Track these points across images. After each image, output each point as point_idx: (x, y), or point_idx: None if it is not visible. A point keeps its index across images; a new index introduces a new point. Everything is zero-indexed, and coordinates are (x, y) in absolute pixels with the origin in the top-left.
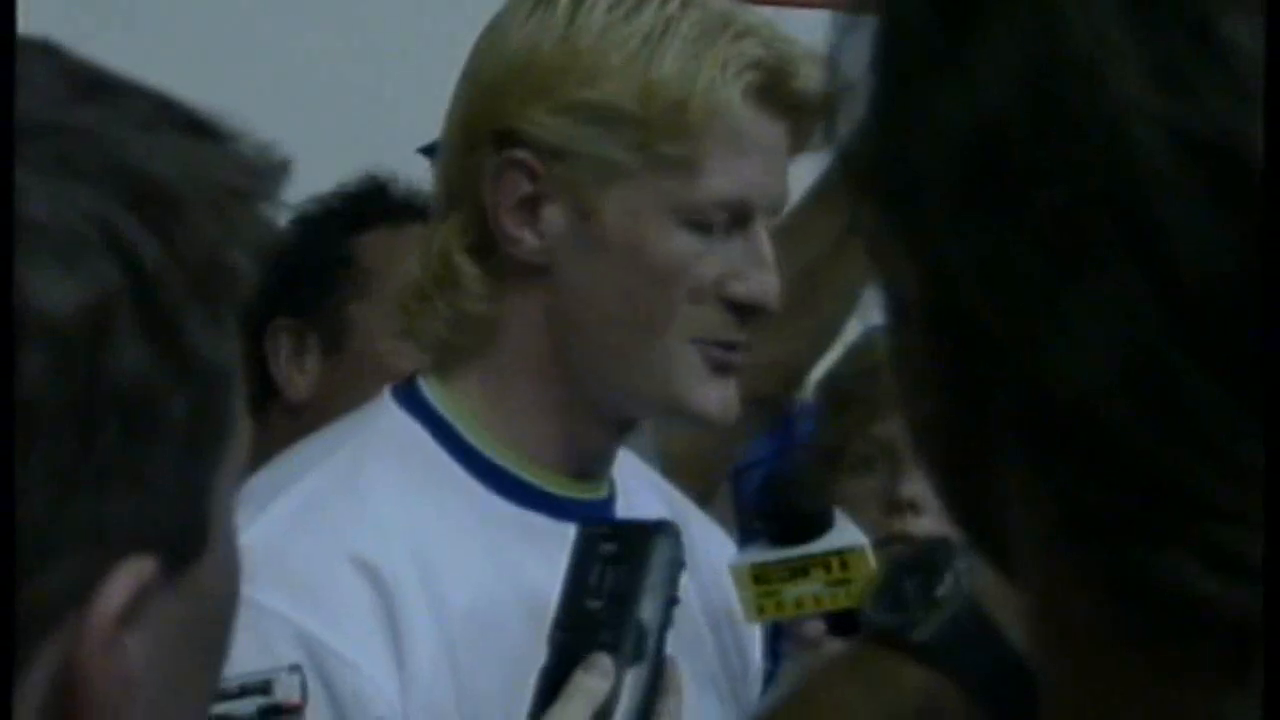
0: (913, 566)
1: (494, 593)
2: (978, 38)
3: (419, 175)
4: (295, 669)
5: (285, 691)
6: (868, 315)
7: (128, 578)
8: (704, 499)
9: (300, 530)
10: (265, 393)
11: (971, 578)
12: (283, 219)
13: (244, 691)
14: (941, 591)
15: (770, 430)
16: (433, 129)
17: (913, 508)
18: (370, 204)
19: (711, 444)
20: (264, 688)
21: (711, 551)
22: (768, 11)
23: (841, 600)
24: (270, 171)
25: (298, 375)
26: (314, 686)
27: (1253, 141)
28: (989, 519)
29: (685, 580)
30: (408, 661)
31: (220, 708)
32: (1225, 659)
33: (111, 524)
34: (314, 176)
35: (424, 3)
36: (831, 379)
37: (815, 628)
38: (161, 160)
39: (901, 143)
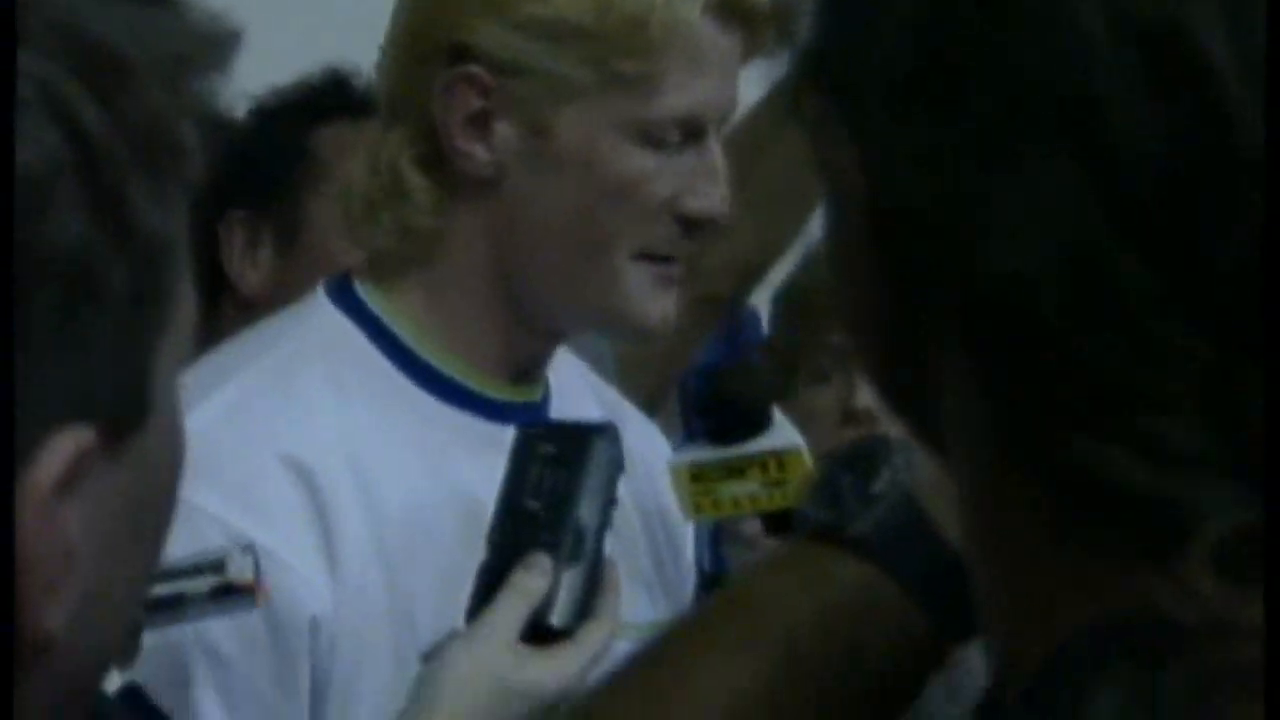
0: (849, 463)
1: (427, 494)
2: None
3: None
4: (248, 549)
5: (238, 570)
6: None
7: (64, 446)
8: (655, 400)
9: (231, 428)
10: (217, 285)
11: (908, 474)
12: (241, 109)
13: (197, 570)
14: (878, 487)
15: (719, 334)
16: None
17: (868, 419)
18: (331, 97)
19: (664, 345)
20: (217, 566)
21: (646, 452)
22: None
23: (778, 500)
24: (221, 41)
25: (250, 269)
26: None
27: (1193, 25)
28: (925, 410)
29: (621, 484)
30: (339, 560)
31: (173, 586)
32: (1151, 544)
33: (48, 392)
34: (277, 70)
35: None
36: (790, 286)
37: (752, 527)
38: (110, 25)
39: (849, 33)
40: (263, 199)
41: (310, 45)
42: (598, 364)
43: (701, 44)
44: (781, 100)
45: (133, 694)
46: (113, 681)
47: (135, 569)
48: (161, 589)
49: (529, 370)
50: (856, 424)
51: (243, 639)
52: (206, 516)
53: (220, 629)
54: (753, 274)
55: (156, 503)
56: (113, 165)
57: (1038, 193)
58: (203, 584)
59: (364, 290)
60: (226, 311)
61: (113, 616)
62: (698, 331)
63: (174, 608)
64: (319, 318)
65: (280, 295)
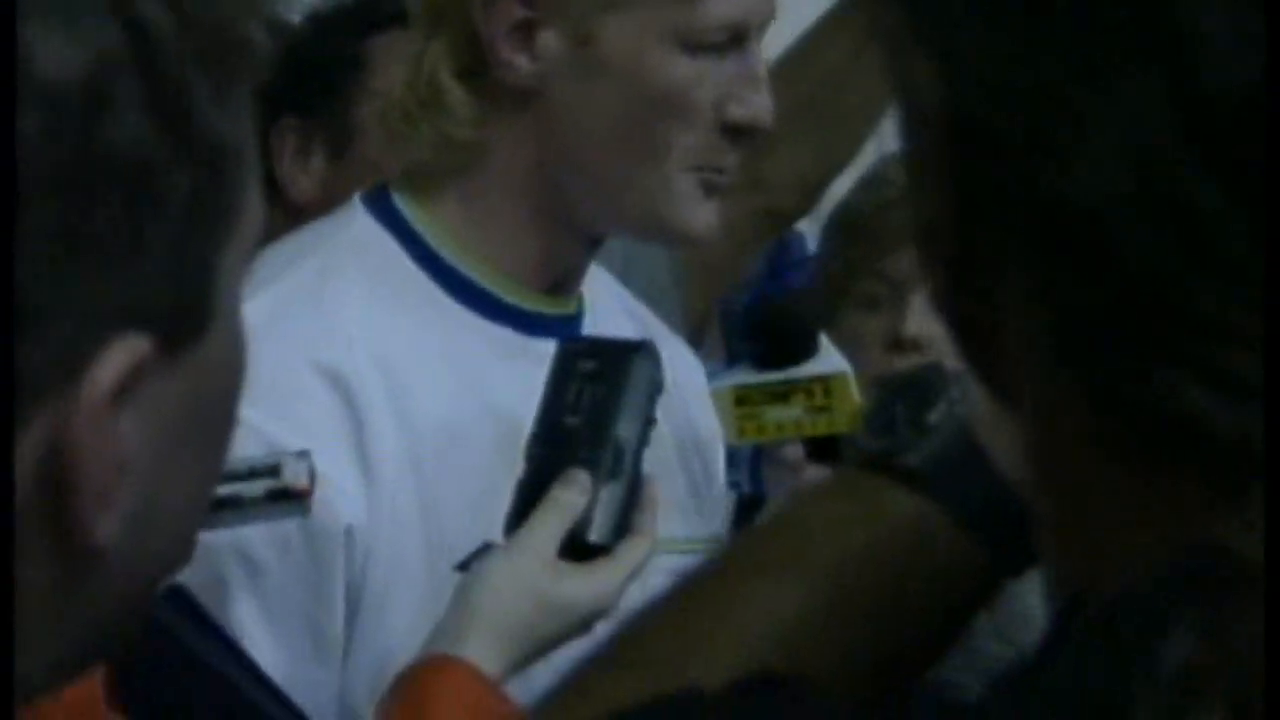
0: (904, 392)
1: (461, 405)
2: None
3: None
4: (304, 454)
5: (293, 475)
6: (885, 141)
7: (121, 354)
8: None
9: (265, 338)
10: (268, 192)
11: (964, 405)
12: (295, 17)
13: (253, 474)
14: (933, 418)
15: (764, 255)
16: None
17: (915, 346)
18: (385, 6)
19: (723, 257)
20: (273, 470)
21: (681, 375)
22: None
23: (822, 426)
24: None
25: (302, 176)
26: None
27: None
28: (988, 332)
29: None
30: (373, 469)
31: (229, 489)
32: (1221, 480)
33: (106, 298)
34: None
35: None
36: (843, 209)
37: (795, 452)
38: None
39: None
40: (315, 107)
41: None
42: (651, 280)
43: None
44: (844, 14)
45: (178, 595)
46: None
47: (194, 479)
48: (218, 490)
49: (565, 282)
50: (904, 351)
51: (279, 547)
52: (244, 426)
53: (257, 536)
54: (814, 190)
55: (215, 414)
56: (176, 65)
57: (1118, 109)
58: (259, 487)
59: (400, 200)
60: (276, 218)
61: (172, 526)
62: (758, 245)
63: (229, 509)
64: (354, 227)
65: (330, 203)
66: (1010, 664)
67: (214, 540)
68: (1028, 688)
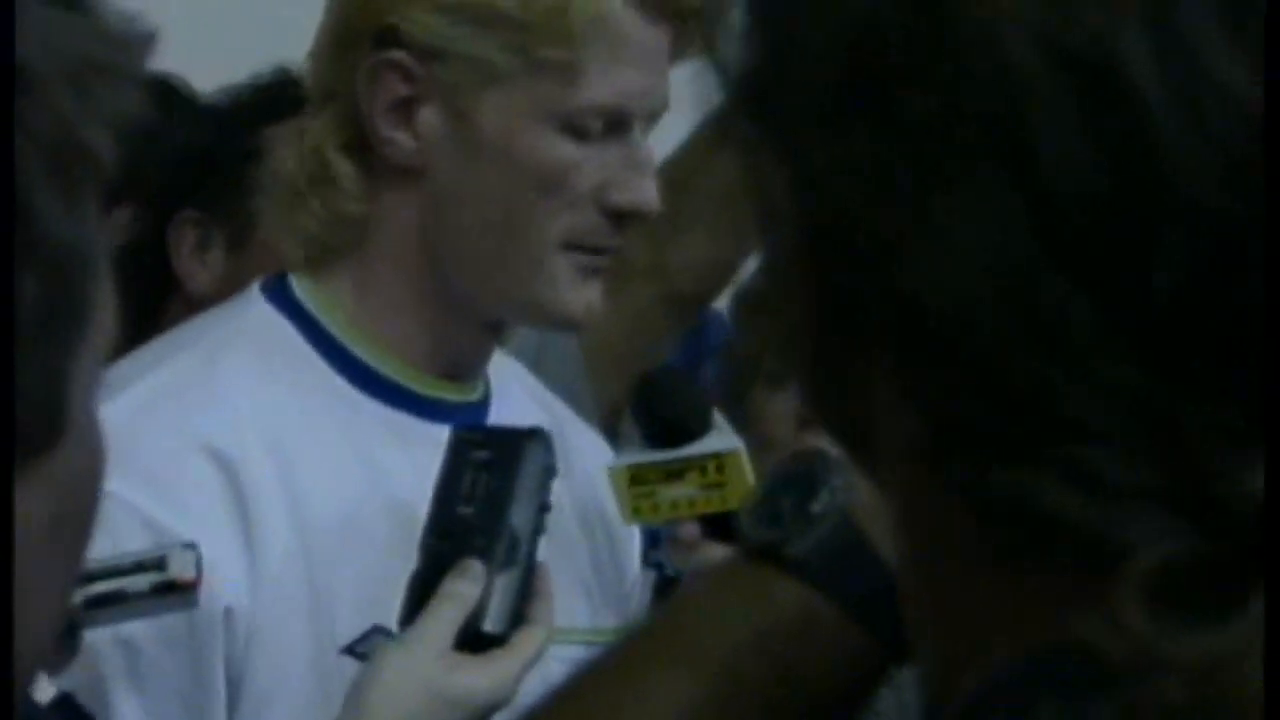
0: (789, 482)
1: (355, 490)
2: None
3: None
4: (190, 546)
5: (180, 567)
6: None
7: None
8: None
9: (151, 417)
10: (166, 285)
11: (848, 494)
12: (191, 111)
13: (139, 568)
14: (818, 507)
15: (684, 336)
16: None
17: None
18: (281, 96)
19: (632, 341)
20: (159, 564)
21: (588, 458)
22: None
23: (716, 503)
24: (134, 43)
25: (200, 269)
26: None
27: (1124, 53)
28: (859, 428)
29: (559, 486)
30: (258, 554)
31: (113, 584)
32: (1082, 576)
33: None
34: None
35: None
36: (749, 288)
37: (690, 530)
38: (13, 30)
39: (774, 47)
40: (213, 200)
41: (259, 44)
42: (563, 369)
43: (625, 34)
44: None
45: (65, 702)
46: (45, 691)
47: (56, 582)
48: (102, 586)
49: (465, 367)
50: (814, 429)
51: (159, 632)
52: (122, 504)
53: (138, 623)
54: (720, 274)
55: (75, 519)
56: (19, 176)
57: (969, 212)
58: (144, 581)
59: (298, 285)
60: (174, 311)
61: (37, 627)
62: (668, 332)
63: (115, 604)
64: (251, 311)
65: (230, 295)
66: None
67: (91, 633)
68: None
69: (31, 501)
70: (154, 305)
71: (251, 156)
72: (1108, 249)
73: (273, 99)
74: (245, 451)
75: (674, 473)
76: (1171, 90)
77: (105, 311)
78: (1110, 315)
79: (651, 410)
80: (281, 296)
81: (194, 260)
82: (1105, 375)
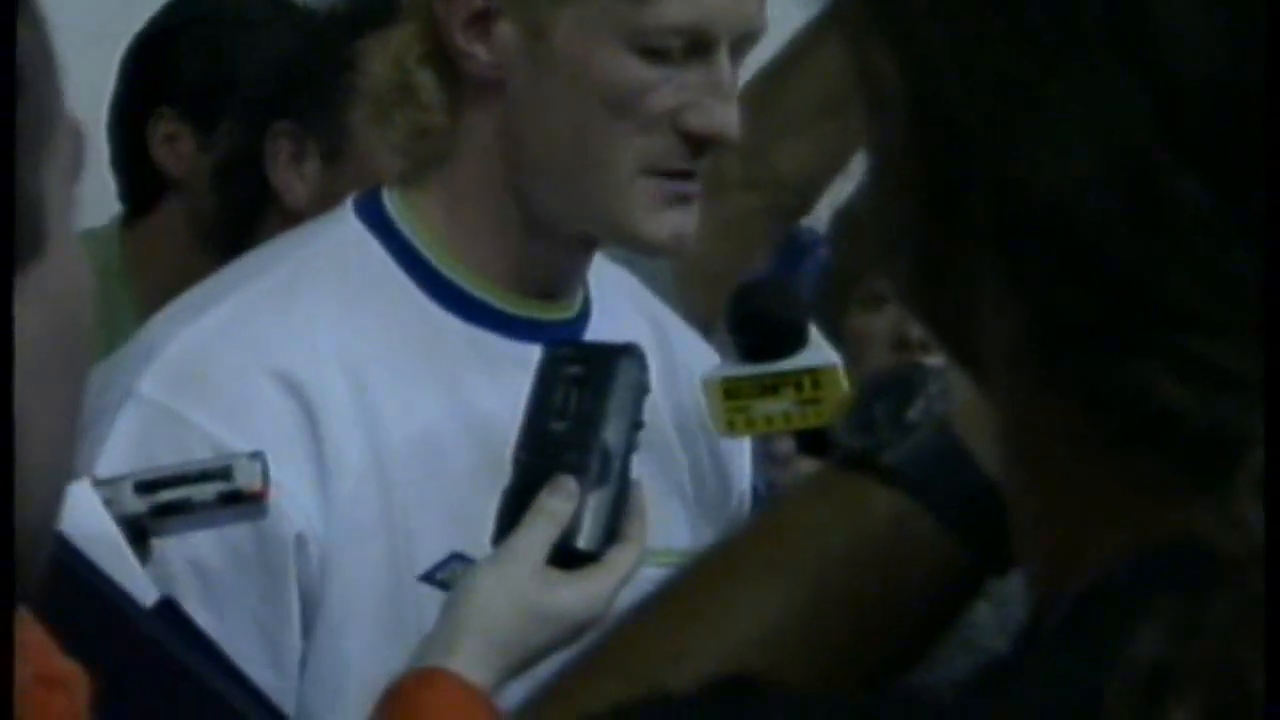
0: (884, 389)
1: (439, 413)
2: None
3: None
4: (257, 455)
5: (246, 477)
6: None
7: None
8: (714, 316)
9: (224, 343)
10: (264, 197)
11: (944, 402)
12: (286, 22)
13: (204, 476)
14: (913, 415)
15: (777, 250)
16: None
17: (922, 346)
18: (375, 7)
19: (723, 260)
20: (224, 473)
21: (695, 368)
22: None
23: (812, 419)
24: None
25: (297, 181)
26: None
27: None
28: (964, 327)
29: (660, 399)
30: (330, 480)
31: (178, 492)
32: (1198, 472)
33: None
34: None
35: None
36: (848, 206)
37: (785, 446)
38: None
39: None
40: (307, 112)
41: None
42: (654, 278)
43: None
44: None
45: (168, 606)
46: (148, 594)
47: (56, 407)
48: (168, 494)
49: (558, 285)
50: (909, 351)
51: (230, 554)
52: (194, 430)
53: (208, 544)
54: (817, 185)
55: (66, 336)
56: None
57: (1085, 95)
58: (210, 490)
59: (390, 200)
60: (272, 223)
61: (43, 458)
62: (760, 246)
63: (180, 513)
64: (339, 230)
65: (326, 207)
66: (983, 663)
67: (166, 550)
68: (999, 686)
69: (27, 315)
70: (252, 216)
71: (343, 68)
72: (1226, 133)
73: (368, 9)
74: (320, 377)
75: (769, 387)
76: None
77: (68, 124)
78: (1226, 201)
79: (747, 323)
80: (373, 212)
81: (290, 172)
82: (1220, 263)
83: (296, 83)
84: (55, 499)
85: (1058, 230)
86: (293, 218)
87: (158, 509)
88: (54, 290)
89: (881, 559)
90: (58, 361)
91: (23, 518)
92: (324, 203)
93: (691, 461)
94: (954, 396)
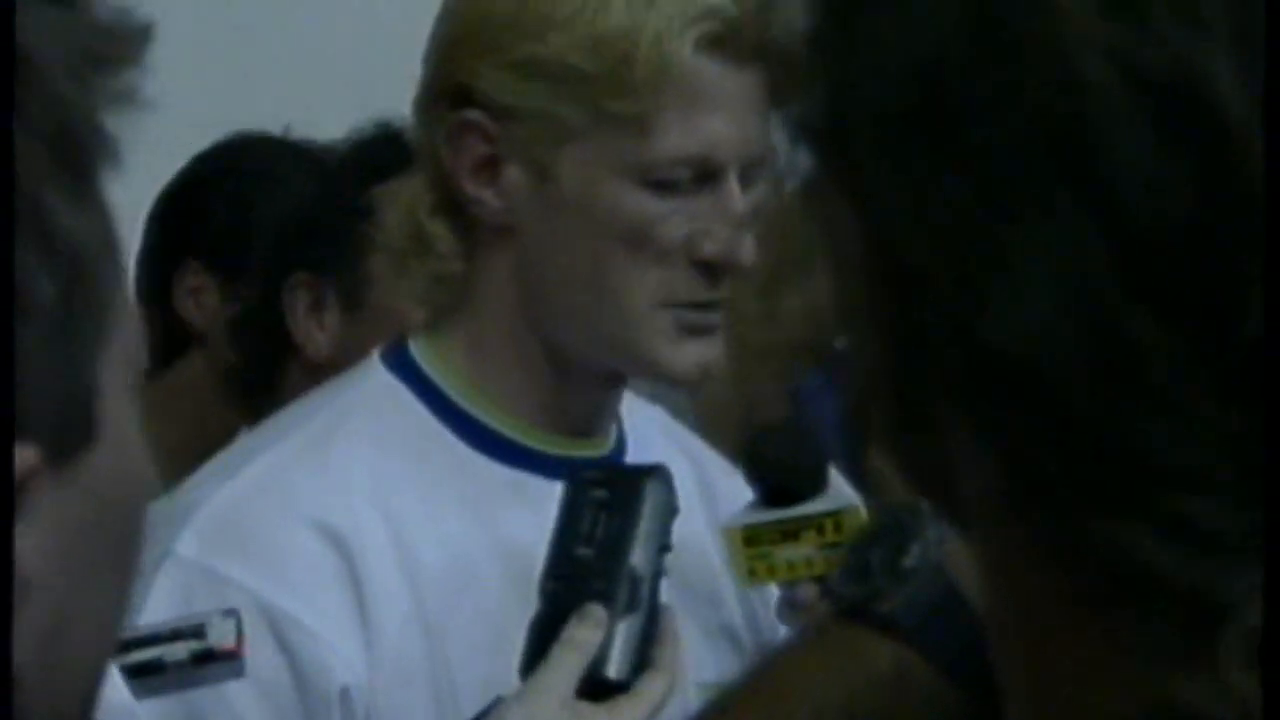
0: (879, 536)
1: (473, 553)
2: None
3: None
4: (230, 613)
5: (219, 635)
6: None
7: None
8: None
9: (263, 497)
10: (285, 349)
11: (940, 547)
12: (298, 173)
13: (176, 635)
14: (908, 562)
15: (797, 387)
16: None
17: None
18: (387, 153)
19: (745, 395)
20: (198, 632)
21: (735, 500)
22: None
23: (834, 564)
24: (131, 34)
25: (317, 332)
26: (277, 657)
27: (1207, 73)
28: (942, 478)
29: (703, 532)
30: (374, 627)
31: (152, 652)
32: (1183, 635)
33: None
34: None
35: None
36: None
37: (808, 591)
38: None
39: (840, 84)
40: (325, 261)
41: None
42: (677, 413)
43: (701, 82)
44: None
45: None
46: None
47: (105, 597)
48: (140, 655)
49: (589, 421)
50: None
51: (274, 710)
52: (234, 586)
53: (248, 697)
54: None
55: (118, 528)
56: (24, 172)
57: (1044, 246)
58: (182, 650)
59: (416, 348)
60: (292, 374)
61: (87, 646)
62: (782, 380)
63: (153, 674)
64: (369, 380)
65: (348, 357)
66: None
67: (199, 699)
68: None
69: (67, 505)
70: (273, 368)
71: (360, 216)
72: (1193, 280)
73: (378, 156)
74: (358, 526)
75: (790, 533)
76: (1259, 114)
77: (126, 312)
78: (1197, 351)
79: (764, 468)
80: (400, 362)
81: (310, 322)
82: (1194, 417)
83: (312, 233)
84: (95, 693)
85: (1024, 384)
86: (314, 369)
87: (130, 669)
88: (105, 480)
89: (880, 709)
90: (106, 554)
91: (60, 710)
92: (346, 353)
93: (738, 595)
94: (950, 540)
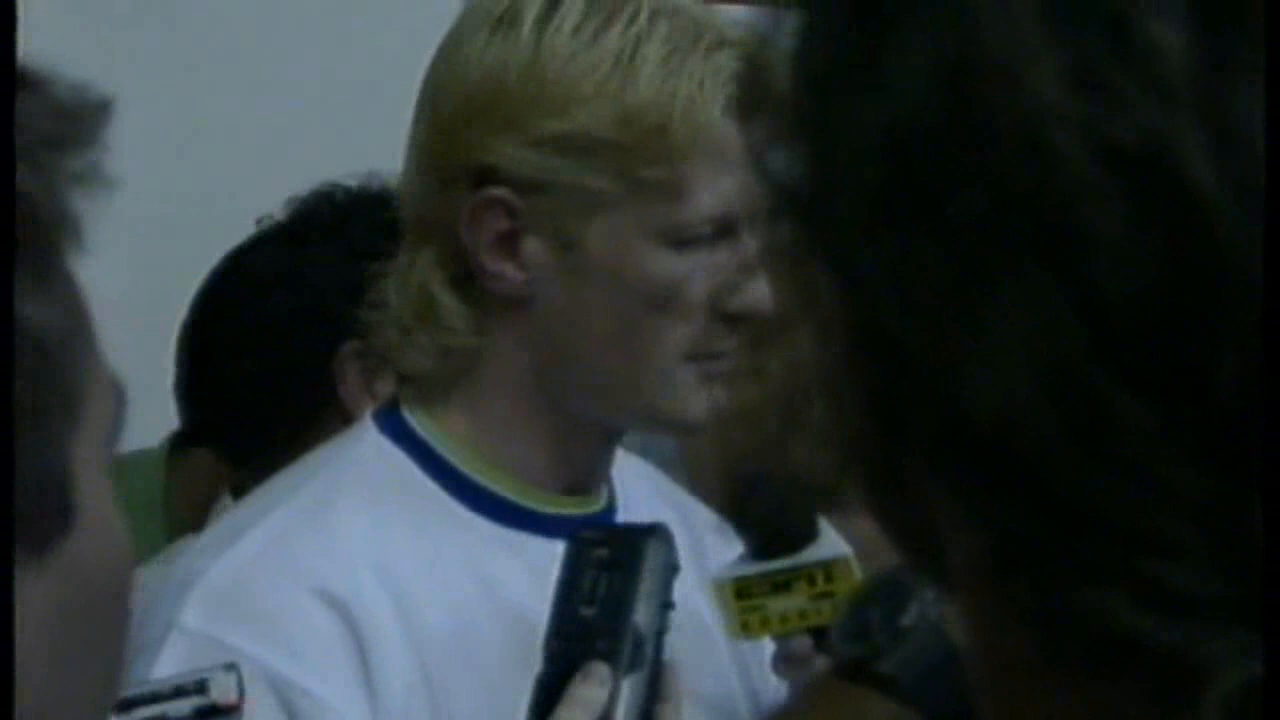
0: (877, 594)
1: (475, 617)
2: (891, 40)
3: None
4: (231, 667)
5: (221, 690)
6: None
7: None
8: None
9: (266, 566)
10: (327, 410)
11: (938, 605)
12: (329, 248)
13: (179, 692)
14: (907, 621)
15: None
16: None
17: None
18: (387, 216)
19: (735, 447)
20: (199, 687)
21: (724, 554)
22: (742, 11)
23: (826, 614)
24: (89, 115)
25: (368, 400)
26: None
27: (1177, 146)
28: (922, 541)
29: (695, 589)
30: (380, 693)
31: (155, 709)
32: (1161, 696)
33: None
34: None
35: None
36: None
37: (802, 644)
38: None
39: (816, 151)
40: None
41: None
42: (667, 466)
43: (727, 143)
44: None
45: None
46: None
47: (92, 680)
48: (144, 712)
49: (586, 480)
50: None
51: None
52: (241, 656)
53: None
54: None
55: (102, 609)
56: None
57: (1016, 315)
58: (185, 706)
59: (410, 414)
60: (329, 431)
61: None
62: (772, 435)
63: None
64: (364, 444)
65: None
66: None
67: None
68: None
69: (49, 593)
70: (314, 424)
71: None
72: (1164, 350)
73: (382, 217)
74: (360, 592)
75: (781, 584)
76: (1230, 186)
77: (101, 388)
78: (1170, 419)
79: (753, 519)
80: (395, 426)
81: (360, 391)
82: (1169, 483)
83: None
84: None
85: (1001, 453)
86: None
87: None
88: (85, 566)
89: None
90: (91, 636)
91: None
92: None
93: (732, 653)
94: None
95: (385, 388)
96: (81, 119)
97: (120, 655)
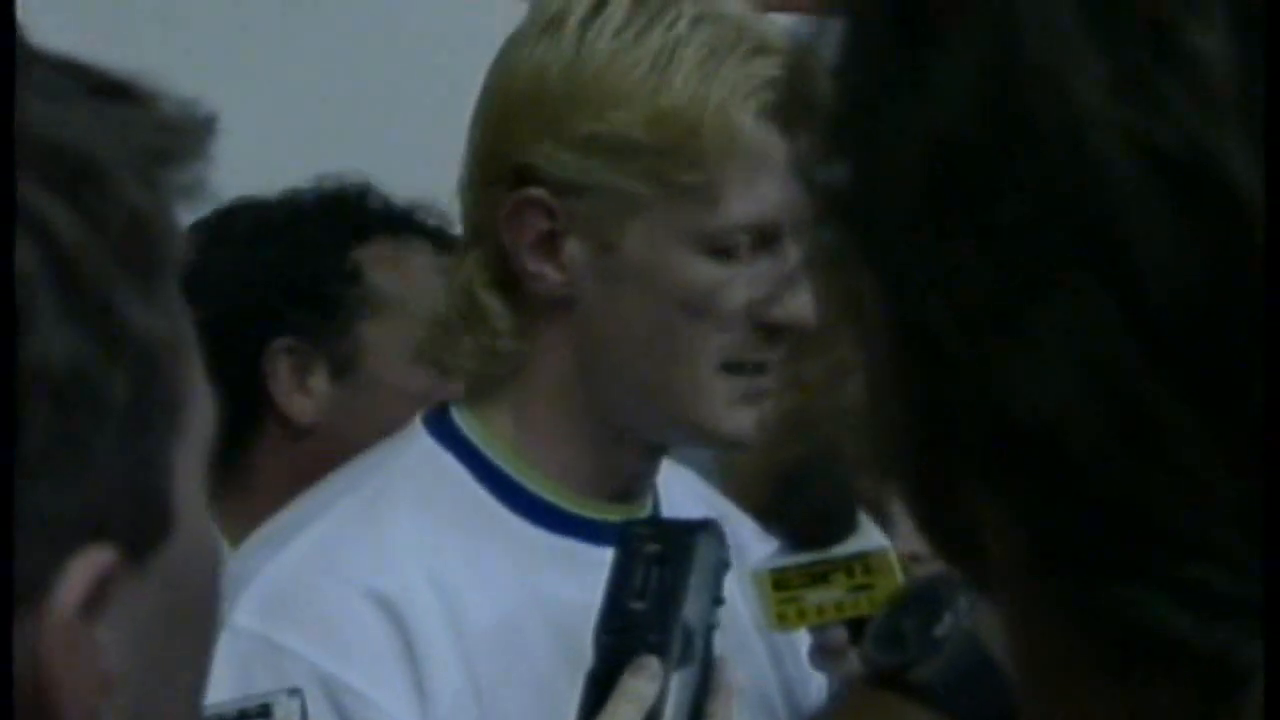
0: (911, 603)
1: (521, 618)
2: (935, 50)
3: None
4: (295, 692)
5: (285, 714)
6: None
7: (85, 569)
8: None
9: (317, 568)
10: (266, 413)
11: (972, 614)
12: (283, 238)
13: (243, 716)
14: (941, 630)
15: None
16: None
17: None
18: (364, 213)
19: (773, 454)
20: (263, 711)
21: (759, 559)
22: (791, 20)
23: (864, 606)
24: (196, 129)
25: (301, 397)
26: None
27: (1220, 152)
28: (964, 544)
29: (734, 588)
30: (429, 694)
31: None
32: (1201, 698)
33: (60, 512)
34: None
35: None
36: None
37: (838, 636)
38: (73, 129)
39: (860, 159)
40: (311, 327)
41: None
42: (704, 474)
43: (763, 149)
44: None
45: None
46: None
47: (184, 686)
48: None
49: (632, 488)
50: None
51: None
52: (292, 657)
53: None
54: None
55: (196, 617)
56: (94, 271)
57: (1063, 320)
58: None
59: (460, 417)
60: (276, 439)
61: None
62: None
63: None
64: (414, 447)
65: (339, 423)
66: None
67: None
68: None
69: (146, 600)
70: (252, 436)
71: (345, 279)
72: (1209, 355)
73: (357, 216)
74: (410, 594)
75: (818, 576)
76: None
77: (202, 402)
78: (1213, 423)
79: (792, 510)
80: (445, 429)
81: (293, 388)
82: (1211, 486)
83: (293, 298)
84: None
85: (1047, 457)
86: (302, 434)
87: None
88: (181, 568)
89: None
90: (186, 640)
91: None
92: (335, 419)
93: (769, 650)
94: (982, 607)
95: (319, 384)
96: (189, 134)
97: (210, 655)
